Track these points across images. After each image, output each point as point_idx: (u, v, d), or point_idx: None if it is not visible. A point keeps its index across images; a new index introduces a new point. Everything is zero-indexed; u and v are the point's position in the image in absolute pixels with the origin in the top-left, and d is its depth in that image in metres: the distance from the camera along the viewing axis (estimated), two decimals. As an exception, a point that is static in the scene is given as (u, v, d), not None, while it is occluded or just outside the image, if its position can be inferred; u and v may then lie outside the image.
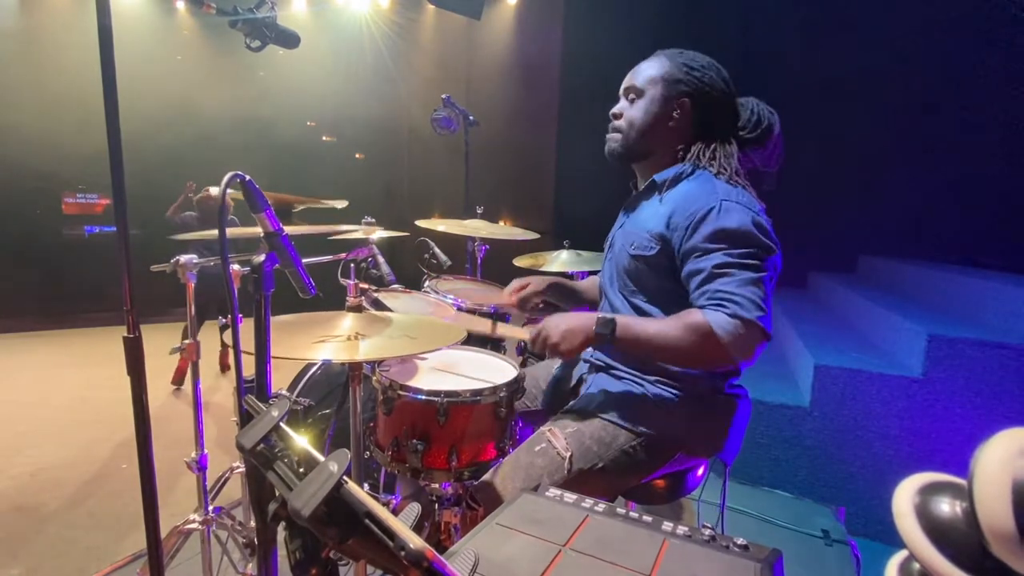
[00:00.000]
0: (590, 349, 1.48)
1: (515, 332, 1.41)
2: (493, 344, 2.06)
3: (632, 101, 1.36)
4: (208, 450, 1.61)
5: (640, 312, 1.34)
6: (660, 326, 1.19)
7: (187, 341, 1.58)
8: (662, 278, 1.29)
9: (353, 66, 6.36)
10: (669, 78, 1.31)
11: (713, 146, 1.31)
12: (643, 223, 1.32)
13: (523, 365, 1.94)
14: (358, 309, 1.37)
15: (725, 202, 1.20)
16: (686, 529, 0.82)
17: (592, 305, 1.66)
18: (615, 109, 1.39)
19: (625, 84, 1.39)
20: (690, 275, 1.21)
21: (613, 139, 1.39)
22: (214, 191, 3.71)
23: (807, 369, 2.56)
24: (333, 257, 1.77)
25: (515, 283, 1.63)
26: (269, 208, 0.91)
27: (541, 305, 1.62)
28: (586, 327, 1.21)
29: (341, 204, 1.99)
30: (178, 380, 3.78)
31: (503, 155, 5.71)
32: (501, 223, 3.17)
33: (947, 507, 0.48)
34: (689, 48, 1.37)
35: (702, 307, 1.17)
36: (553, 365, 1.65)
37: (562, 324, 1.23)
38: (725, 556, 0.77)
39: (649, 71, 1.34)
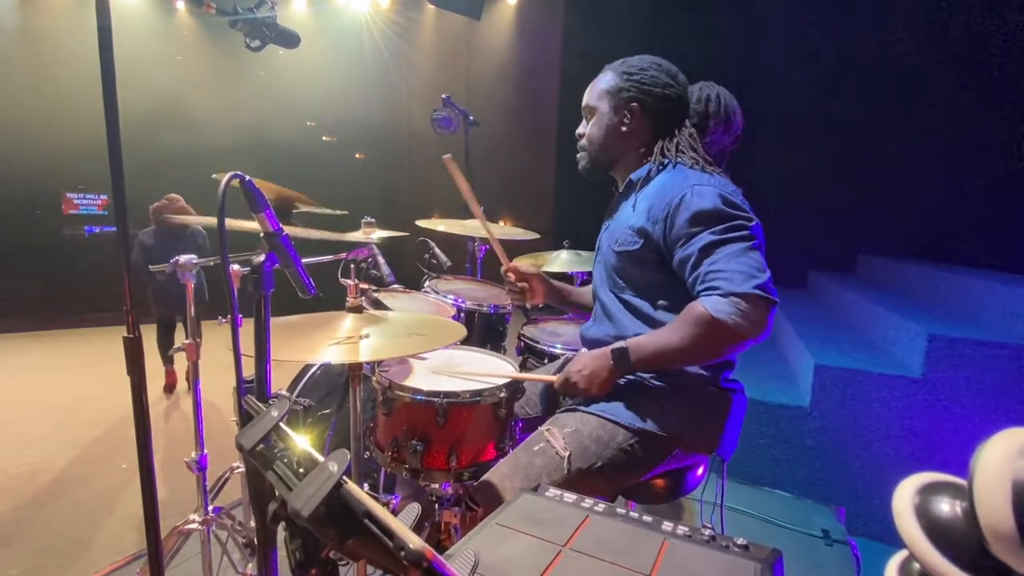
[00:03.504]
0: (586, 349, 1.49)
1: (541, 377, 1.45)
2: (493, 344, 2.06)
3: (589, 119, 1.43)
4: (208, 450, 1.61)
5: (629, 306, 1.36)
6: (667, 332, 1.22)
7: (187, 341, 1.58)
8: (648, 271, 1.32)
9: (353, 66, 6.37)
10: (613, 89, 1.38)
11: (676, 139, 1.35)
12: (625, 220, 1.36)
13: (523, 366, 1.93)
14: (358, 309, 1.37)
15: (697, 186, 1.23)
16: (686, 529, 0.82)
17: (582, 309, 1.69)
18: (578, 130, 1.47)
19: (582, 104, 1.45)
20: (682, 263, 1.24)
21: (581, 158, 1.47)
22: (175, 199, 3.69)
23: (807, 369, 2.56)
24: (333, 257, 1.77)
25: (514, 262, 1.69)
26: (269, 208, 0.91)
27: (526, 286, 1.63)
28: (604, 362, 1.26)
29: (339, 212, 2.00)
30: (169, 388, 3.78)
31: (503, 155, 5.71)
32: (501, 223, 3.17)
33: (947, 507, 0.48)
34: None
35: (698, 294, 1.19)
36: (550, 371, 1.65)
37: (583, 369, 1.29)
38: (725, 556, 0.77)
39: (598, 87, 1.41)
